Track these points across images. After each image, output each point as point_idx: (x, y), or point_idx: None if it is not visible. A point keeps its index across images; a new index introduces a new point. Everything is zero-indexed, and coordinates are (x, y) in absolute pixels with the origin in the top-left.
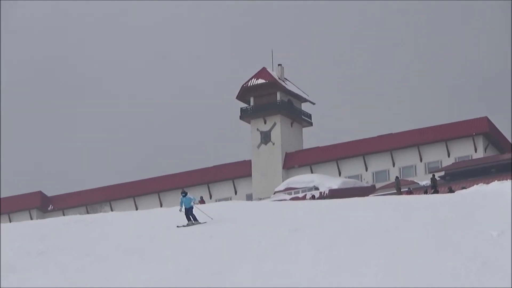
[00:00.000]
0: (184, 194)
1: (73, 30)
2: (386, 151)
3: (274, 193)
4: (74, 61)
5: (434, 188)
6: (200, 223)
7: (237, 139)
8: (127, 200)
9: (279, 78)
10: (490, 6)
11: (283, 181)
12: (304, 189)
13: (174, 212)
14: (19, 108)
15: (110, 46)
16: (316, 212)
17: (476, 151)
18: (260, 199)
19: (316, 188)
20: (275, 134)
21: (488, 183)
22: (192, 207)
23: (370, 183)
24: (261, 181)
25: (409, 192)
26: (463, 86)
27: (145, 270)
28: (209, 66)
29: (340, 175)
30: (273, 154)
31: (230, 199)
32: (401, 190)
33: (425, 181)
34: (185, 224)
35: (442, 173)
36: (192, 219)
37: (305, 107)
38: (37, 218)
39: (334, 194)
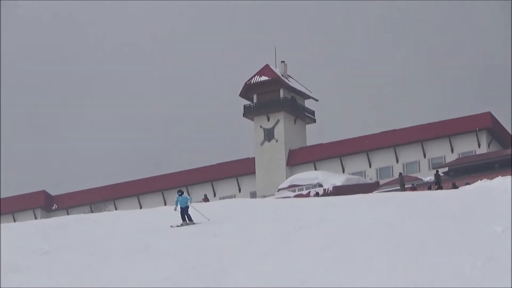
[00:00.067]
0: (181, 193)
1: (73, 30)
2: (389, 147)
3: (278, 191)
4: (79, 60)
5: (438, 184)
6: (194, 223)
7: (241, 137)
8: (131, 198)
9: (282, 75)
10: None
11: (286, 178)
12: (308, 186)
13: (177, 211)
14: (22, 107)
15: (113, 46)
16: (320, 209)
17: (479, 147)
18: (264, 196)
19: (320, 185)
20: (279, 131)
21: (491, 178)
22: (187, 207)
23: (374, 180)
24: (264, 179)
25: (413, 188)
26: (466, 82)
27: (150, 268)
28: (212, 64)
29: (343, 171)
30: (277, 151)
31: (234, 197)
32: (405, 186)
33: (429, 177)
34: (179, 224)
35: (446, 169)
36: (187, 219)
37: (308, 104)
38: (41, 218)
39: (338, 191)
